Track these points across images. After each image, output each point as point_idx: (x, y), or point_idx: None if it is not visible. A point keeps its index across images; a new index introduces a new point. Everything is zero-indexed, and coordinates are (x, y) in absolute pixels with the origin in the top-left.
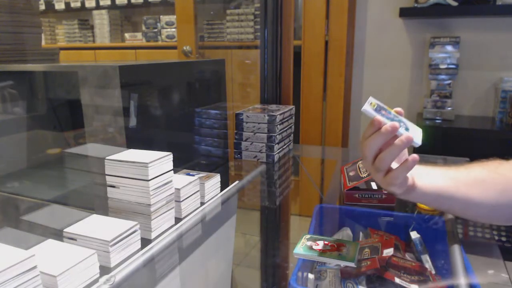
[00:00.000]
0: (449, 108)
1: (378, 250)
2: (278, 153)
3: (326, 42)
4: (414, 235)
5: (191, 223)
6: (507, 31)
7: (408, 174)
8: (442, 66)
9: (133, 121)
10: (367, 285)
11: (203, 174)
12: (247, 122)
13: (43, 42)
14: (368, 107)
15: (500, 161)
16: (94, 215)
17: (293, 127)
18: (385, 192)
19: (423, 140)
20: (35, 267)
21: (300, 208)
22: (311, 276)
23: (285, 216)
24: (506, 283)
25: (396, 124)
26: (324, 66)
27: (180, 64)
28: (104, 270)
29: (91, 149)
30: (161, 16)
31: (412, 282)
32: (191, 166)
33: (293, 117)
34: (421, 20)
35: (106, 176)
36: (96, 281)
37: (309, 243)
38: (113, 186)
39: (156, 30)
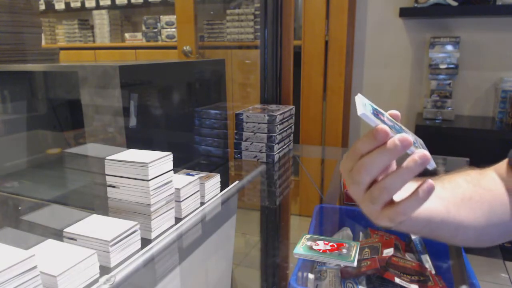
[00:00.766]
0: (449, 108)
1: (378, 250)
2: (278, 153)
3: (326, 42)
4: (414, 235)
5: (191, 223)
6: (507, 31)
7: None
8: (442, 66)
9: (133, 121)
10: (367, 285)
11: (203, 174)
12: (247, 122)
13: (43, 42)
14: (365, 110)
15: (479, 171)
16: (94, 215)
17: (293, 127)
18: None
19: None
20: (35, 267)
21: (300, 208)
22: (311, 276)
23: (285, 216)
24: (506, 283)
25: (409, 138)
26: (324, 66)
27: (180, 64)
28: (104, 270)
29: (91, 149)
30: (161, 16)
31: (412, 282)
32: (191, 166)
33: (293, 117)
34: (421, 20)
35: (106, 176)
36: (96, 281)
37: (309, 243)
38: (113, 186)
39: (156, 30)
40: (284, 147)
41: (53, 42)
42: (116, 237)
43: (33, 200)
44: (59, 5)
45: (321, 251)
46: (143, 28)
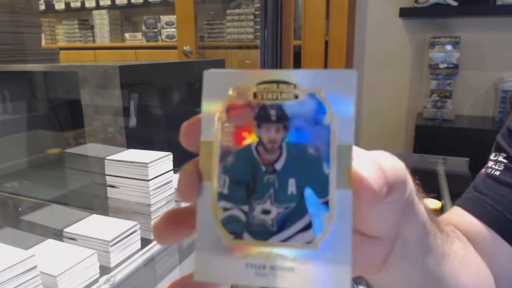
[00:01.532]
0: (449, 108)
1: None
2: None
3: (326, 42)
4: None
5: None
6: (507, 31)
7: None
8: (442, 66)
9: (133, 121)
10: (367, 285)
11: None
12: None
13: (43, 42)
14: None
15: (453, 229)
16: (94, 215)
17: None
18: None
19: None
20: (35, 267)
21: None
22: None
23: None
24: None
25: None
26: (324, 66)
27: (180, 64)
28: (104, 270)
29: (91, 149)
30: (161, 16)
31: None
32: None
33: None
34: (421, 20)
35: (106, 176)
36: (96, 281)
37: None
38: (113, 186)
39: (156, 30)
40: None
41: (53, 42)
42: (116, 237)
43: (33, 200)
44: (59, 5)
45: None
46: (143, 28)
